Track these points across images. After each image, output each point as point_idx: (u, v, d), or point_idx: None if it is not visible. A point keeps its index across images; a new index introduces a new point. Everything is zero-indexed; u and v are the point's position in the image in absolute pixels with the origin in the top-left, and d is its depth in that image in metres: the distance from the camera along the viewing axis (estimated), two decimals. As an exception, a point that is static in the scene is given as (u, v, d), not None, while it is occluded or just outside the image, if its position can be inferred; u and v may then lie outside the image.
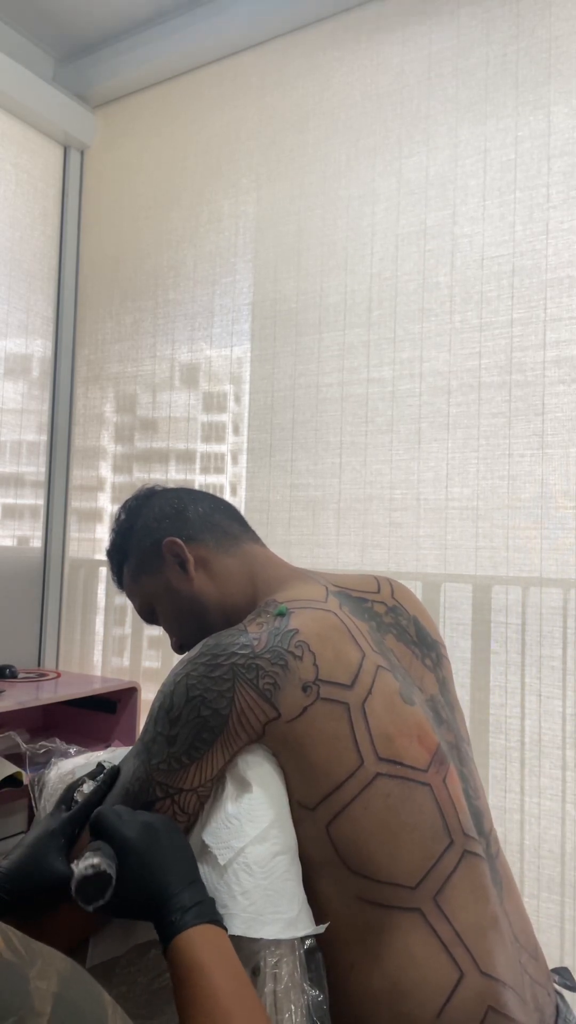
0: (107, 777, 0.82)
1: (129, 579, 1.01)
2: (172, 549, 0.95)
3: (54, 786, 0.93)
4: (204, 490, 1.08)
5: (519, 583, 1.44)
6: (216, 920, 0.68)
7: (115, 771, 0.82)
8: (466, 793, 0.85)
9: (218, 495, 1.09)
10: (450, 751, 0.85)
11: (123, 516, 1.03)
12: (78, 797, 0.82)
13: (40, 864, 0.73)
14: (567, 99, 1.45)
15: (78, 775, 0.89)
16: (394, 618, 0.95)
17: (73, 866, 0.69)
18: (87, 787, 0.83)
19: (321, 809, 0.76)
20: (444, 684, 0.95)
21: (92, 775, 0.84)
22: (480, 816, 0.85)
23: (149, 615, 1.02)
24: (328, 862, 0.75)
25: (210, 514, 1.00)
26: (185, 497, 1.01)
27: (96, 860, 0.68)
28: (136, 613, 1.06)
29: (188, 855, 0.73)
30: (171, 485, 1.07)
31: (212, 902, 0.70)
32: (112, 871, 0.68)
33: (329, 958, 0.75)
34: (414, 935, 0.73)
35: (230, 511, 1.03)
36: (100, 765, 0.85)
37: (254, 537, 1.03)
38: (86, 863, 0.68)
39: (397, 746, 0.78)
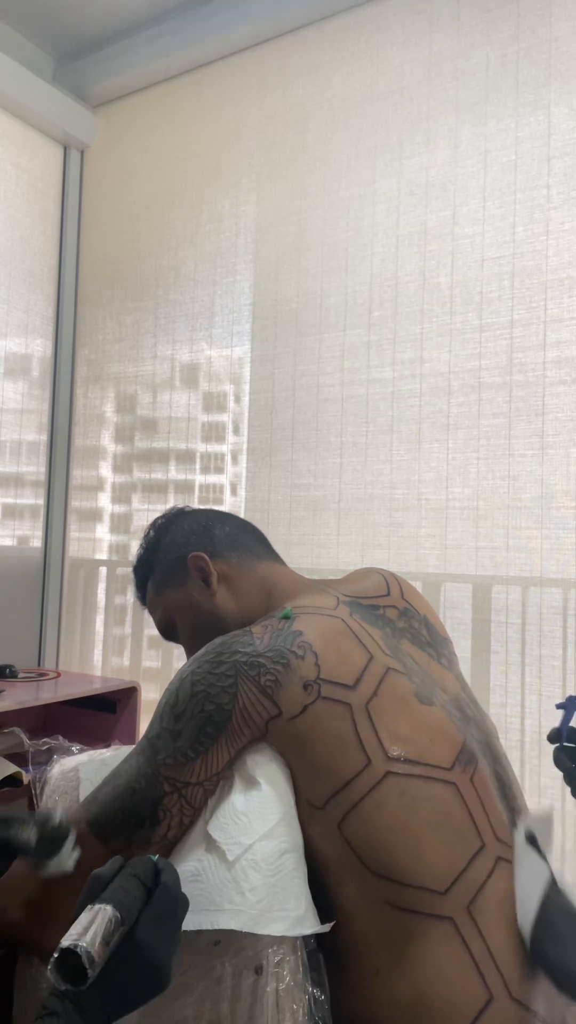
0: (45, 841, 0.74)
1: (153, 592, 1.03)
2: (197, 563, 0.98)
3: (56, 783, 0.93)
4: (232, 512, 1.11)
5: (519, 583, 1.45)
6: None
7: (56, 833, 0.74)
8: (501, 795, 0.83)
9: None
10: (481, 749, 0.85)
11: (152, 533, 1.06)
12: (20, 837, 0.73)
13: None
14: (567, 100, 1.45)
15: (81, 772, 0.90)
16: (407, 622, 0.95)
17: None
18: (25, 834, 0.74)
19: (330, 808, 0.76)
20: (463, 681, 0.95)
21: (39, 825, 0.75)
22: (517, 819, 0.84)
23: (168, 630, 1.04)
24: (347, 864, 0.75)
25: (236, 534, 1.03)
26: (213, 517, 1.05)
27: (86, 940, 0.56)
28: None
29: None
30: (199, 507, 1.11)
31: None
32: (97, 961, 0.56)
33: (353, 962, 0.75)
34: (445, 947, 0.72)
35: (255, 533, 1.06)
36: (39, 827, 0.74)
37: (276, 557, 1.05)
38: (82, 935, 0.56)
39: (413, 745, 0.78)
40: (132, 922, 0.59)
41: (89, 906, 0.59)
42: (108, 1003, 0.57)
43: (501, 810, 0.81)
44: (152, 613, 1.05)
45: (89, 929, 0.56)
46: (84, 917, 0.58)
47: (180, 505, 1.10)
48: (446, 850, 0.74)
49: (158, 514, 1.09)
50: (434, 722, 0.81)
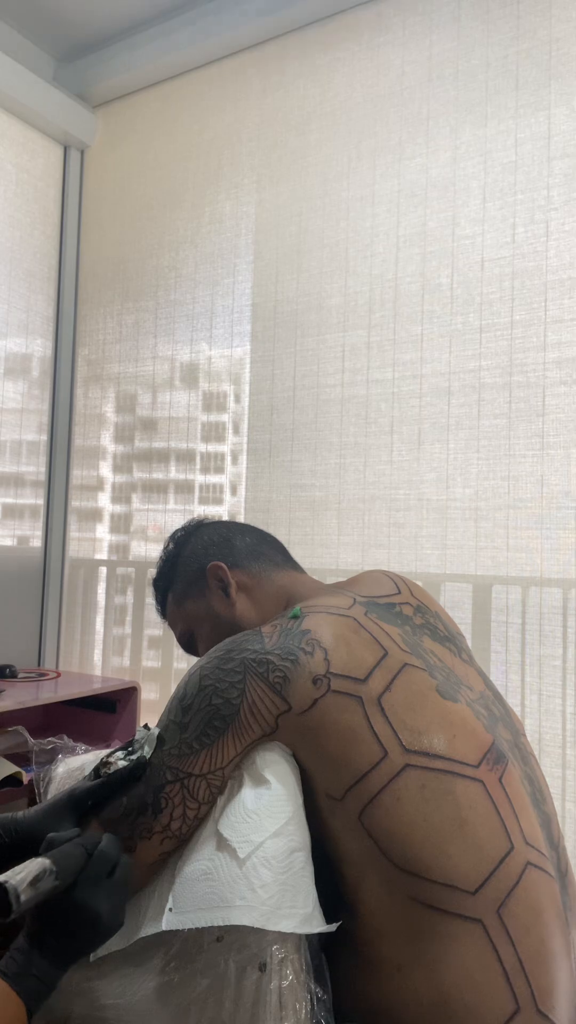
0: (136, 767, 0.80)
1: (173, 604, 1.04)
2: (216, 573, 0.98)
3: (61, 782, 0.94)
4: (250, 524, 1.11)
5: (519, 583, 1.45)
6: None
7: (144, 764, 0.81)
8: (532, 797, 0.82)
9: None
10: (511, 749, 0.84)
11: (171, 545, 1.06)
12: (107, 771, 0.81)
13: (51, 824, 0.76)
14: (568, 101, 1.46)
15: (87, 770, 0.90)
16: (423, 617, 0.96)
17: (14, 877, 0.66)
18: (115, 757, 0.82)
19: (349, 799, 0.76)
20: (486, 676, 0.95)
21: (128, 745, 0.83)
22: (548, 823, 0.83)
23: (188, 643, 1.04)
24: (370, 857, 0.75)
25: (256, 545, 1.03)
26: (232, 528, 1.05)
27: (19, 877, 0.65)
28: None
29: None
30: (218, 518, 1.11)
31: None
32: (20, 895, 0.65)
33: (373, 956, 0.74)
34: (473, 951, 0.70)
35: (275, 543, 1.06)
36: (134, 740, 0.82)
37: (295, 566, 1.05)
38: (20, 875, 0.65)
39: (433, 740, 0.78)
40: (70, 881, 0.68)
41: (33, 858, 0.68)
42: (54, 943, 0.68)
43: (532, 813, 0.80)
44: (172, 626, 1.05)
45: (20, 873, 0.65)
46: (24, 864, 0.66)
47: (200, 516, 1.10)
48: (473, 848, 0.73)
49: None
50: (458, 718, 0.80)
